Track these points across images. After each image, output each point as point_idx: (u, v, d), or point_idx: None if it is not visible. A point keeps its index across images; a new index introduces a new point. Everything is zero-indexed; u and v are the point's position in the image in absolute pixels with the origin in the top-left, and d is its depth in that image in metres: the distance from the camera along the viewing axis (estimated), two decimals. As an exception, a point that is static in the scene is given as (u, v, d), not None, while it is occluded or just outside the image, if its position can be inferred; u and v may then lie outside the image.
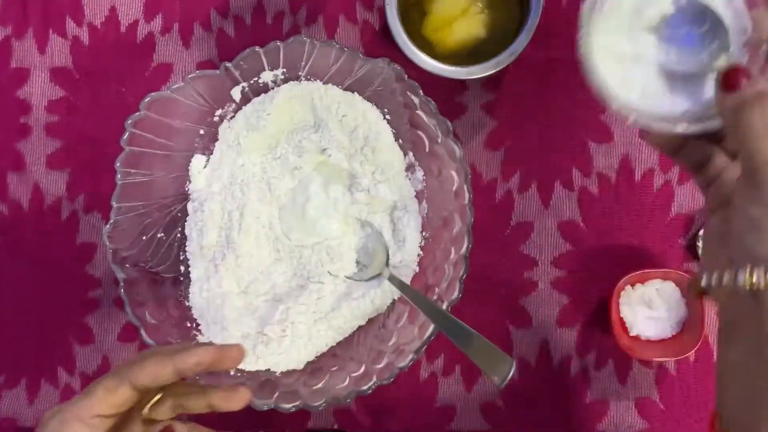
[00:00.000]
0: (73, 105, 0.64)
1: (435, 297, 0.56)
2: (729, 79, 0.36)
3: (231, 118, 0.59)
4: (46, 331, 0.64)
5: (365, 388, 0.53)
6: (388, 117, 0.59)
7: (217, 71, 0.56)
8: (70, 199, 0.64)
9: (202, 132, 0.59)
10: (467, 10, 0.58)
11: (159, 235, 0.58)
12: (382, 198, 0.59)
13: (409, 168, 0.60)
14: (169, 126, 0.57)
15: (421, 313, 0.53)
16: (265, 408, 0.52)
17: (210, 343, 0.44)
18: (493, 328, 0.62)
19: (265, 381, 0.55)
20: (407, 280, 0.58)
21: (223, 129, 0.59)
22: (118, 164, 0.55)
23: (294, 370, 0.57)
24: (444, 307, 0.54)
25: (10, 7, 0.65)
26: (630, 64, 0.40)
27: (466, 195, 0.54)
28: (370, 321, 0.59)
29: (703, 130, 0.38)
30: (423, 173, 0.59)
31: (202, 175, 0.60)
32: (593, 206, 0.62)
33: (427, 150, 0.58)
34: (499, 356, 0.47)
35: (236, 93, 0.58)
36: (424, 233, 0.59)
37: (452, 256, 0.55)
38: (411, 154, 0.59)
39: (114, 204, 0.55)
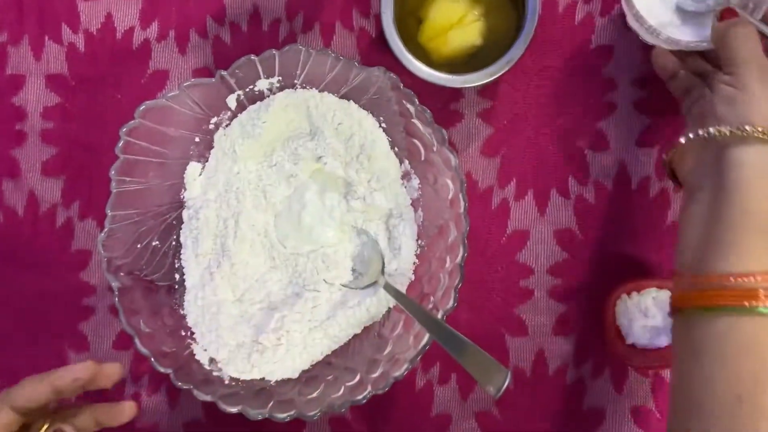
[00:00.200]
0: (68, 112, 0.64)
1: (430, 306, 0.55)
2: (723, 14, 0.50)
3: (226, 125, 0.59)
4: (41, 338, 0.64)
5: (360, 397, 0.52)
6: (383, 125, 0.59)
7: (213, 79, 0.56)
8: (65, 206, 0.64)
9: (197, 140, 0.59)
10: (463, 18, 0.58)
11: (154, 243, 0.58)
12: (377, 206, 0.59)
13: (405, 176, 0.59)
14: (164, 134, 0.57)
15: (417, 321, 0.53)
16: (260, 417, 0.52)
17: (88, 362, 0.46)
18: (488, 337, 0.61)
19: (259, 390, 0.55)
20: (403, 289, 0.58)
21: (219, 136, 0.59)
22: (112, 172, 0.55)
23: (289, 379, 0.56)
24: (439, 316, 0.54)
25: (5, 13, 0.64)
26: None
27: (462, 204, 0.54)
28: (366, 329, 0.58)
29: (697, 48, 0.53)
30: (418, 181, 0.59)
31: (198, 182, 0.60)
32: (589, 214, 0.61)
33: (422, 158, 0.58)
34: (494, 367, 0.47)
35: (232, 101, 0.58)
36: (419, 241, 0.59)
37: (447, 264, 0.55)
38: (407, 162, 0.59)
39: (108, 212, 0.54)
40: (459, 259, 0.54)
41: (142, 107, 0.54)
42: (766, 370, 0.41)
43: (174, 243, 0.59)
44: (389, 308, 0.58)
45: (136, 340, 0.53)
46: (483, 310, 0.62)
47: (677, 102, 0.54)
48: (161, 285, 0.58)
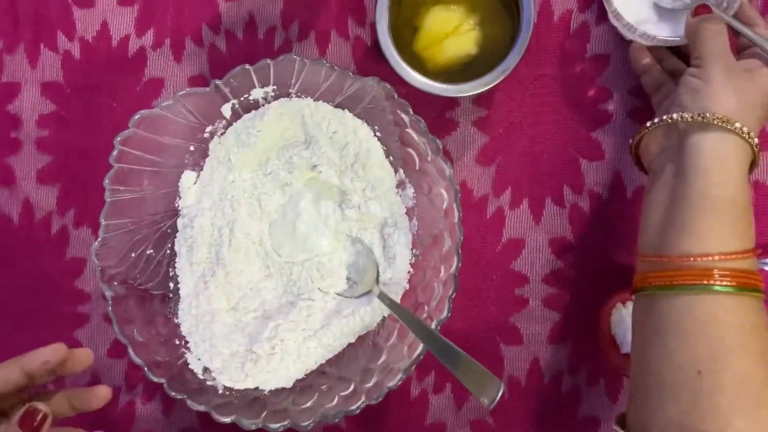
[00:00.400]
0: (63, 119, 0.64)
1: (425, 315, 0.55)
2: (696, 11, 0.52)
3: (221, 134, 0.59)
4: (36, 346, 0.64)
5: (354, 407, 0.52)
6: (378, 134, 0.59)
7: (207, 88, 0.56)
8: (60, 214, 0.64)
9: (192, 148, 0.59)
10: (458, 27, 0.58)
11: (148, 252, 0.58)
12: (372, 214, 0.59)
13: (400, 185, 0.59)
14: (158, 142, 0.57)
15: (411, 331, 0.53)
16: (253, 428, 0.52)
17: (58, 344, 0.46)
18: (483, 345, 0.61)
19: (253, 400, 0.55)
20: (397, 298, 0.58)
21: (214, 145, 0.59)
22: (106, 181, 0.54)
23: (283, 389, 0.56)
24: (433, 326, 0.54)
25: (0, 20, 0.64)
26: None
27: (456, 214, 0.54)
28: (360, 338, 0.58)
29: (671, 44, 0.56)
30: (413, 191, 0.59)
31: (192, 191, 0.60)
32: (584, 223, 0.61)
33: (417, 167, 0.58)
34: (488, 378, 0.47)
35: (226, 110, 0.58)
36: (414, 250, 0.59)
37: (442, 274, 0.55)
38: (401, 171, 0.59)
39: (102, 221, 0.54)
40: (453, 269, 0.54)
41: (137, 116, 0.54)
42: (724, 346, 0.42)
43: (168, 252, 0.59)
44: (384, 317, 0.58)
45: (130, 350, 0.53)
46: (478, 318, 0.62)
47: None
48: (155, 294, 0.58)
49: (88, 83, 0.64)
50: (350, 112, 0.58)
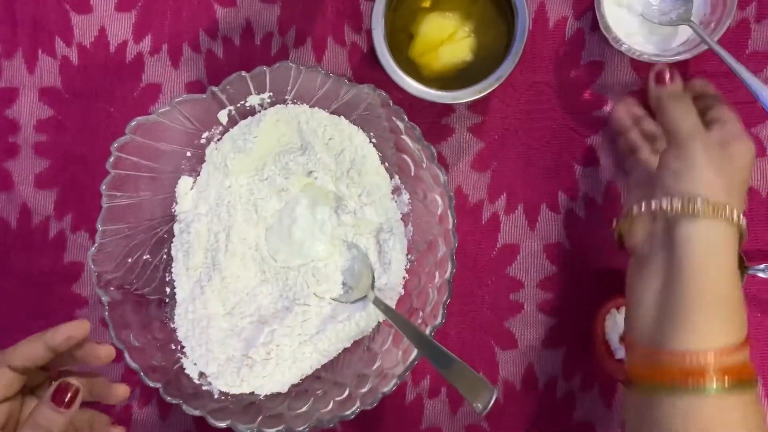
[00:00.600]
0: (61, 125, 0.65)
1: (419, 320, 0.56)
2: (658, 76, 0.53)
3: (218, 140, 0.60)
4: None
5: (348, 412, 0.53)
6: (374, 140, 0.59)
7: (204, 95, 0.56)
8: (58, 219, 0.64)
9: (189, 154, 0.59)
10: (454, 34, 0.58)
11: (145, 257, 0.58)
12: (368, 220, 0.59)
13: (395, 191, 0.60)
14: (155, 148, 0.57)
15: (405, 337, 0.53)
16: (249, 432, 0.52)
17: (82, 320, 0.47)
18: (478, 350, 0.62)
19: (248, 404, 0.55)
20: (392, 303, 0.58)
21: (210, 151, 0.60)
22: (103, 187, 0.55)
23: (278, 393, 0.57)
24: (428, 331, 0.54)
25: (-1, 26, 0.65)
26: (624, 9, 0.59)
27: (450, 220, 0.54)
28: (355, 344, 0.59)
29: (656, 60, 0.57)
30: (408, 196, 0.59)
31: (189, 196, 0.60)
32: (579, 229, 0.62)
33: (412, 174, 0.58)
34: (481, 384, 0.47)
35: (223, 116, 0.58)
36: (409, 256, 0.59)
37: (436, 280, 0.55)
38: (397, 177, 0.59)
39: (99, 227, 0.55)
40: (448, 274, 0.54)
41: (134, 123, 0.55)
42: None
43: (165, 257, 0.59)
44: (379, 322, 0.58)
45: (126, 355, 0.53)
46: (473, 323, 0.62)
47: (661, 121, 0.54)
48: (152, 299, 0.58)
49: (86, 89, 0.64)
50: (346, 118, 0.59)
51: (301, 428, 0.52)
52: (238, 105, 0.58)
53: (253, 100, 0.58)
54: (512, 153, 0.62)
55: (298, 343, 0.57)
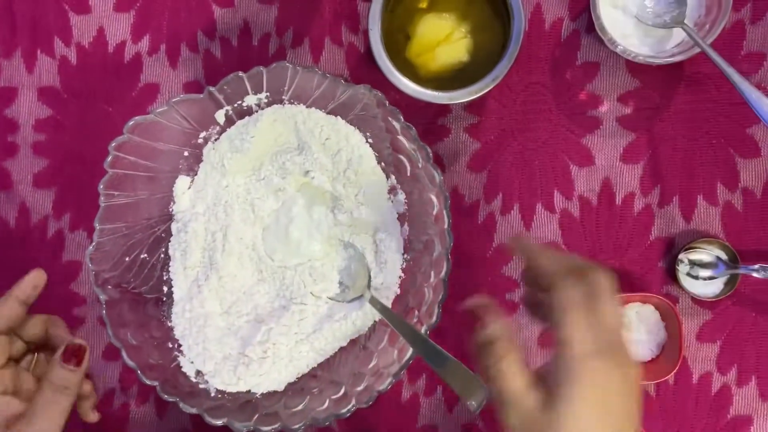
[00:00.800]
0: (60, 124, 0.65)
1: (415, 320, 0.56)
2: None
3: (215, 140, 0.60)
4: (31, 349, 0.64)
5: (344, 411, 0.53)
6: (370, 140, 0.59)
7: (201, 95, 0.56)
8: (56, 218, 0.65)
9: (186, 153, 0.60)
10: (450, 35, 0.58)
11: (142, 256, 0.58)
12: (364, 220, 0.59)
13: (392, 191, 0.60)
14: (153, 148, 0.57)
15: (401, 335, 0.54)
16: (245, 430, 0.53)
17: (37, 269, 0.52)
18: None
19: (245, 403, 0.56)
20: (389, 302, 0.58)
21: (208, 151, 0.60)
22: (101, 187, 0.55)
23: (275, 392, 0.57)
24: (423, 330, 0.54)
25: (-2, 26, 0.65)
26: (620, 11, 0.59)
27: (446, 220, 0.54)
28: (351, 342, 0.59)
29: (651, 62, 0.58)
30: (405, 196, 0.60)
31: (186, 195, 0.60)
32: (574, 229, 0.62)
33: (408, 174, 0.58)
34: (475, 382, 0.48)
35: (220, 116, 0.59)
36: (405, 255, 0.60)
37: (432, 279, 0.56)
38: (393, 177, 0.60)
39: (97, 226, 0.55)
40: (443, 274, 0.55)
41: (131, 123, 0.55)
42: None
43: (162, 256, 0.60)
44: (375, 321, 0.59)
45: (123, 353, 0.54)
46: (469, 322, 0.62)
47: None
48: (149, 297, 0.58)
49: (85, 88, 0.65)
50: (343, 118, 0.59)
51: (297, 426, 0.53)
52: (236, 105, 0.58)
53: (250, 100, 0.58)
54: (508, 153, 0.62)
55: (294, 341, 0.58)
